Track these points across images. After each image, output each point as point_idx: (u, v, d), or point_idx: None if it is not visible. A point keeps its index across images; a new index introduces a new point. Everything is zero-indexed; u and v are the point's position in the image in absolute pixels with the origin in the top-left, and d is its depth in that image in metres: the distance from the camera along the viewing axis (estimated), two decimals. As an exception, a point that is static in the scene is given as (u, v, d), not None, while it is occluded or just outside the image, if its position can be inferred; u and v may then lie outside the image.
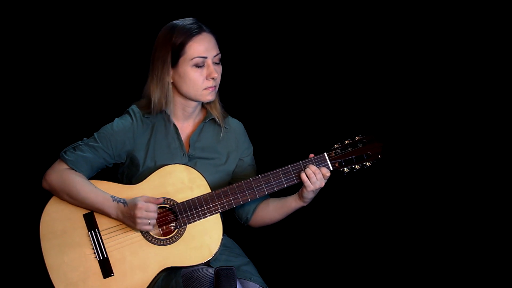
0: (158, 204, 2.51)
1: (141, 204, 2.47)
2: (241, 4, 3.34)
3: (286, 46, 3.38)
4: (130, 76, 3.21)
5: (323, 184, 2.53)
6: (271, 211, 2.66)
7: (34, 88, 3.34)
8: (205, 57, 2.53)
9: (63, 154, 2.56)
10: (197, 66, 2.53)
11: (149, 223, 2.48)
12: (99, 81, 3.36)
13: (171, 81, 2.57)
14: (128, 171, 2.63)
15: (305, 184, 2.52)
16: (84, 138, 2.60)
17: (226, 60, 2.62)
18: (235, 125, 2.72)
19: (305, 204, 2.61)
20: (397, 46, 3.31)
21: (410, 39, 3.29)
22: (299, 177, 2.54)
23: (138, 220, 2.47)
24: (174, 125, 2.63)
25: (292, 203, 2.61)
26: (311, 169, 2.52)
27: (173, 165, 2.57)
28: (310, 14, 3.35)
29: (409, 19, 3.28)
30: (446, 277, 3.31)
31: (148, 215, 2.47)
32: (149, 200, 2.49)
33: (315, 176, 2.52)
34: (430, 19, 3.26)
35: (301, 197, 2.58)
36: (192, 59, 2.52)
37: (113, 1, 3.33)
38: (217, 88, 2.59)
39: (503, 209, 3.25)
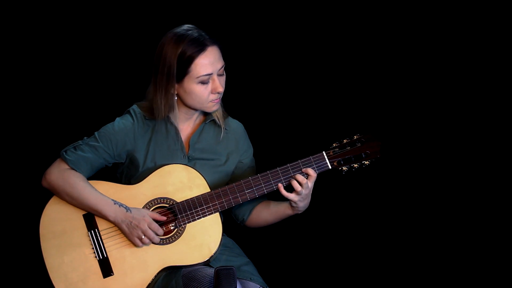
0: (161, 221, 2.53)
1: (148, 218, 2.49)
2: (239, 5, 3.35)
3: (284, 46, 3.38)
4: (131, 75, 3.23)
5: (307, 191, 2.52)
6: (266, 215, 2.67)
7: (35, 87, 3.34)
8: (211, 74, 2.52)
9: (64, 153, 2.56)
10: (203, 83, 2.53)
11: (142, 238, 2.49)
12: (100, 80, 3.36)
13: (176, 93, 2.56)
14: (127, 171, 2.64)
15: (290, 197, 2.52)
16: (85, 137, 2.60)
17: (225, 60, 2.62)
18: (235, 126, 2.72)
19: (299, 212, 2.59)
20: (394, 44, 3.31)
21: (407, 36, 3.29)
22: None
23: (138, 231, 2.49)
24: (175, 126, 2.63)
25: (286, 210, 2.61)
26: (298, 179, 2.49)
27: (172, 165, 2.57)
28: (309, 14, 3.36)
29: (406, 16, 3.29)
30: (445, 277, 3.31)
31: (147, 232, 2.49)
32: (154, 217, 2.51)
33: (301, 186, 2.49)
34: (426, 16, 3.27)
35: (291, 206, 2.58)
36: (198, 77, 2.51)
37: (114, 1, 3.34)
38: (221, 97, 2.59)
39: (501, 207, 3.25)
